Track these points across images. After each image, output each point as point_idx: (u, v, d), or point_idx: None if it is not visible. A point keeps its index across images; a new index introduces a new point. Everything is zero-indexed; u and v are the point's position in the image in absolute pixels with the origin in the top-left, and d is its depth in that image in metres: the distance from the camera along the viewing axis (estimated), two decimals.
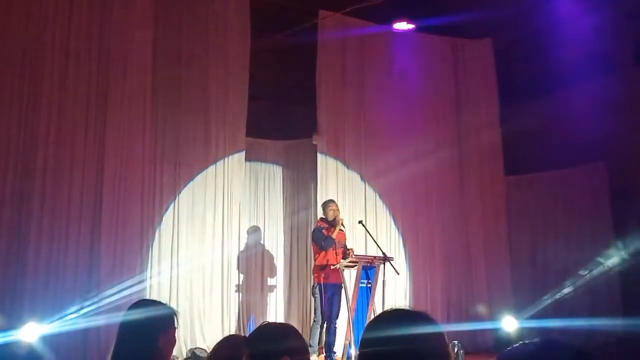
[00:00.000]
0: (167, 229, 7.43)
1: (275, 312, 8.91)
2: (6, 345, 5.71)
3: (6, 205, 6.33)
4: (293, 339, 2.16)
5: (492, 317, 8.48)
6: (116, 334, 2.44)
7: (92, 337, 6.41)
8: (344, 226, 7.17)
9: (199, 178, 7.66)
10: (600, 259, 8.27)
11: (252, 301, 8.58)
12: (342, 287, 6.78)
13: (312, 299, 7.18)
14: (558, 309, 8.36)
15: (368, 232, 7.25)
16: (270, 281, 8.96)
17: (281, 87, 9.02)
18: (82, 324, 6.28)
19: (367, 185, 8.54)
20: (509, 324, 8.31)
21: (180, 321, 2.76)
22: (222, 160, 7.78)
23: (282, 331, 2.25)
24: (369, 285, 6.72)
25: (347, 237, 7.28)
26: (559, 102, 8.60)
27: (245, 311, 8.35)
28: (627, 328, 7.18)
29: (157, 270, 7.23)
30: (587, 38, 7.84)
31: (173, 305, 3.24)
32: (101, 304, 6.43)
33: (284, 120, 9.37)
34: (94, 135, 6.87)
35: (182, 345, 7.07)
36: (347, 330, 6.59)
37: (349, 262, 6.65)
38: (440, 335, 1.60)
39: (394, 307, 1.70)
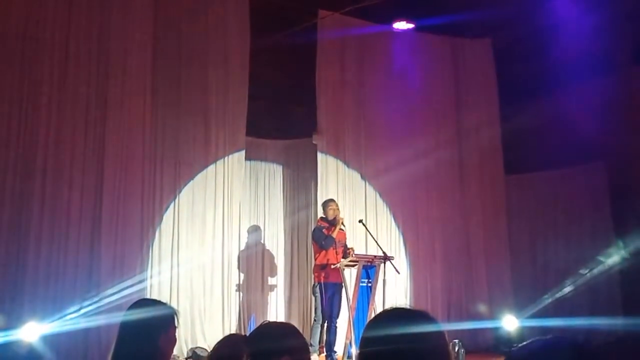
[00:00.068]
0: (167, 228, 7.43)
1: (276, 311, 8.91)
2: (6, 344, 5.71)
3: (6, 205, 6.33)
4: (293, 338, 2.16)
5: (492, 316, 8.49)
6: (117, 333, 2.44)
7: (93, 336, 6.41)
8: (344, 225, 7.17)
9: (199, 177, 7.66)
10: (601, 258, 8.27)
11: (252, 300, 8.58)
12: (342, 287, 6.79)
13: (313, 298, 7.19)
14: (558, 308, 8.37)
15: (368, 231, 7.26)
16: (271, 280, 8.96)
17: (281, 87, 9.01)
18: (82, 323, 6.28)
19: (367, 184, 8.55)
20: (510, 323, 8.32)
21: (180, 320, 2.76)
22: (222, 160, 7.78)
23: (282, 330, 2.25)
24: (370, 285, 6.72)
25: (347, 236, 7.29)
26: (559, 101, 8.59)
27: (245, 310, 8.36)
28: (628, 327, 7.18)
29: (158, 270, 7.23)
30: (587, 38, 7.84)
31: (173, 304, 3.25)
32: (101, 303, 6.43)
33: (284, 119, 9.37)
34: (94, 135, 6.88)
35: (182, 345, 7.07)
36: (347, 329, 6.60)
37: (350, 261, 6.66)
38: (440, 334, 1.60)
39: (394, 306, 1.70)
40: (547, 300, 8.50)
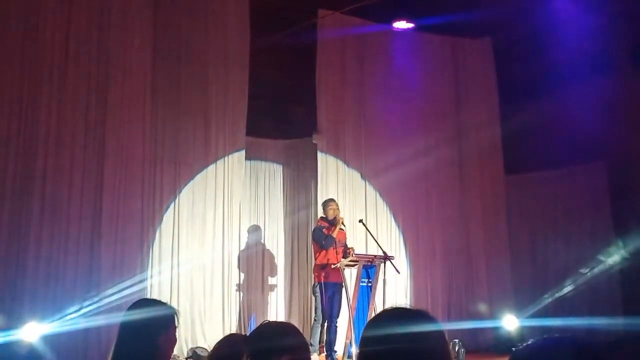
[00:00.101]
0: (168, 228, 7.43)
1: (276, 311, 8.92)
2: (7, 344, 5.71)
3: (6, 205, 6.33)
4: (293, 337, 2.16)
5: (492, 315, 8.49)
6: (117, 333, 2.44)
7: (93, 336, 6.41)
8: (344, 225, 7.16)
9: (199, 177, 7.66)
10: (601, 257, 8.28)
11: (252, 300, 8.59)
12: (342, 286, 6.78)
13: (313, 298, 7.19)
14: (558, 308, 8.37)
15: (368, 230, 7.26)
16: (271, 280, 8.97)
17: (281, 87, 9.02)
18: (82, 323, 6.29)
19: (367, 184, 8.55)
20: (510, 322, 8.32)
21: (180, 320, 2.76)
22: (222, 160, 7.79)
23: (282, 330, 2.25)
24: (370, 284, 6.72)
25: (347, 236, 7.29)
26: (559, 101, 8.59)
27: (246, 310, 8.36)
28: (628, 327, 7.18)
29: (158, 270, 7.23)
30: (587, 37, 7.84)
31: (174, 304, 3.25)
32: (101, 303, 6.44)
33: (284, 119, 9.38)
34: (94, 135, 6.88)
35: (183, 345, 7.07)
36: (347, 329, 6.60)
37: (350, 261, 6.66)
38: (440, 333, 1.60)
39: (394, 306, 1.70)
40: (547, 299, 8.51)
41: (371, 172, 8.55)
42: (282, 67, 8.83)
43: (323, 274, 6.75)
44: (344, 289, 6.76)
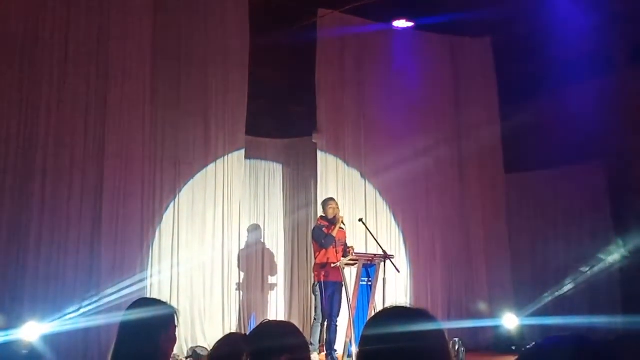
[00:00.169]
0: (168, 227, 7.43)
1: (276, 310, 8.93)
2: (7, 344, 5.71)
3: (6, 205, 6.33)
4: (293, 336, 2.17)
5: (492, 314, 8.50)
6: (117, 333, 2.44)
7: (93, 336, 6.41)
8: (344, 224, 7.16)
9: (199, 177, 7.67)
10: (601, 256, 8.28)
11: (252, 299, 8.59)
12: (342, 285, 6.78)
13: (313, 297, 7.18)
14: (558, 307, 8.37)
15: (368, 230, 7.25)
16: (271, 279, 8.97)
17: (281, 86, 9.02)
18: (82, 323, 6.29)
19: (367, 183, 8.55)
20: (510, 321, 8.33)
21: (180, 320, 2.76)
22: (222, 159, 7.79)
23: (282, 329, 2.25)
24: (370, 283, 6.72)
25: (347, 235, 7.28)
26: (558, 100, 8.59)
27: (246, 309, 8.37)
28: (627, 326, 7.18)
29: (158, 269, 7.24)
30: (586, 37, 7.84)
31: (174, 304, 3.25)
32: (101, 303, 6.44)
33: (283, 118, 9.38)
34: (93, 135, 6.87)
35: (183, 344, 7.08)
36: (347, 328, 6.60)
37: (350, 260, 6.65)
38: (440, 332, 1.60)
39: (394, 305, 1.70)
40: (547, 298, 8.51)
41: (371, 171, 8.55)
42: (282, 66, 8.83)
43: (323, 273, 6.75)
44: (344, 288, 6.76)
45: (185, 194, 7.58)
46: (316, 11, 8.28)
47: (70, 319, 6.28)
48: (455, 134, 9.27)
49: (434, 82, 9.21)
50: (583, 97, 8.18)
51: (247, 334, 2.59)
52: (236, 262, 8.00)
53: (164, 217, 7.42)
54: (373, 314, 5.84)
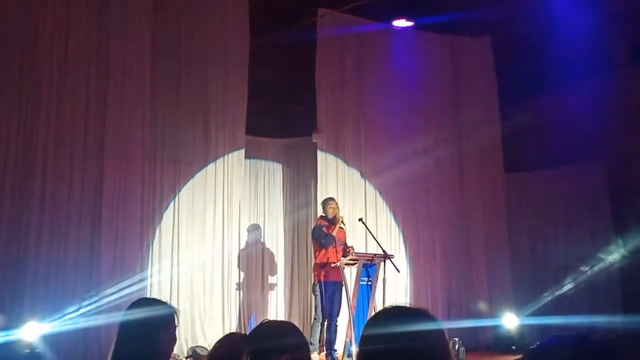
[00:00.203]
0: (167, 227, 7.43)
1: (276, 310, 8.92)
2: (7, 344, 5.71)
3: (6, 205, 6.33)
4: (293, 336, 2.16)
5: (492, 314, 8.50)
6: (117, 333, 2.44)
7: (93, 336, 6.41)
8: (344, 224, 7.16)
9: (198, 176, 7.66)
10: (601, 255, 8.28)
11: (252, 299, 8.59)
12: (342, 285, 6.78)
13: (313, 296, 7.18)
14: (558, 306, 8.37)
15: (368, 229, 7.25)
16: (271, 279, 8.97)
17: (281, 86, 9.02)
18: (82, 323, 6.29)
19: (367, 182, 8.54)
20: (510, 321, 8.33)
21: (180, 319, 2.77)
22: (222, 159, 7.78)
23: (282, 329, 2.25)
24: (370, 283, 6.72)
25: (347, 234, 7.28)
26: (558, 100, 8.59)
27: (246, 309, 8.36)
28: (627, 325, 7.18)
29: (158, 269, 7.24)
30: (586, 37, 7.84)
31: (174, 303, 3.25)
32: (101, 303, 6.44)
33: (283, 118, 9.38)
34: (93, 135, 6.88)
35: (183, 344, 7.08)
36: (347, 327, 6.60)
37: (350, 259, 6.65)
38: (440, 332, 1.60)
39: (394, 304, 1.70)
40: (547, 298, 8.51)
41: (371, 170, 8.55)
42: (282, 66, 8.83)
43: (323, 273, 6.75)
44: (343, 288, 6.76)
45: (185, 193, 7.57)
46: (316, 11, 8.28)
47: (70, 319, 6.28)
48: (455, 134, 9.27)
49: (434, 81, 9.21)
50: (583, 97, 8.18)
51: (247, 333, 2.59)
52: (236, 261, 8.00)
53: (164, 216, 7.42)
54: (373, 313, 5.84)
